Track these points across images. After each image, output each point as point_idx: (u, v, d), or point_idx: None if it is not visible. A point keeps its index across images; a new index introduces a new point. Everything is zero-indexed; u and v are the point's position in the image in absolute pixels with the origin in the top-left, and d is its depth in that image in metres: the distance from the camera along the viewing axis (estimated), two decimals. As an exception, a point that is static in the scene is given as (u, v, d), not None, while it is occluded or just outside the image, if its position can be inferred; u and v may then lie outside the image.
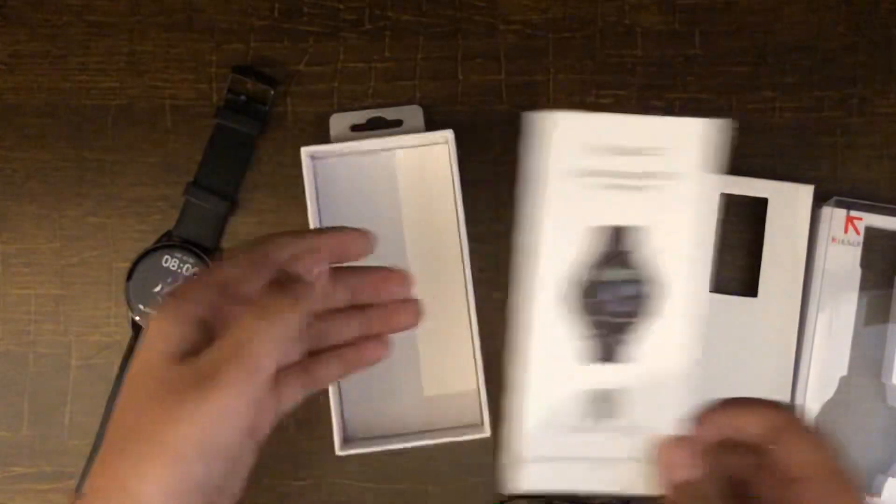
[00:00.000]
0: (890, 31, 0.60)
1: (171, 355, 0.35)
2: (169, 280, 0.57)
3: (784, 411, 0.39)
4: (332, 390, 0.55)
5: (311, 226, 0.57)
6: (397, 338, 0.46)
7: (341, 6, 0.60)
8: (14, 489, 0.59)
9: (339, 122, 0.59)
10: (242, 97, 0.59)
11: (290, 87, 0.60)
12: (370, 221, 0.46)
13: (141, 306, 0.57)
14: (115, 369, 0.59)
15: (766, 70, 0.60)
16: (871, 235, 0.57)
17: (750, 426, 0.39)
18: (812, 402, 0.56)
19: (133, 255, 0.59)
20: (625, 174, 0.40)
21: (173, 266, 0.57)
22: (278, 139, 0.60)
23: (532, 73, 0.60)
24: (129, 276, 0.57)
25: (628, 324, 0.41)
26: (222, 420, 0.34)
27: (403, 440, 0.56)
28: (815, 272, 0.57)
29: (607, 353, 0.42)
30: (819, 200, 0.58)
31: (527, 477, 0.41)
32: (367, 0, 0.60)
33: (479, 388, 0.56)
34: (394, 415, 0.58)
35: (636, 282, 0.41)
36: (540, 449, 0.41)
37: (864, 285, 0.57)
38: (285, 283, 0.37)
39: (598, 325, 0.41)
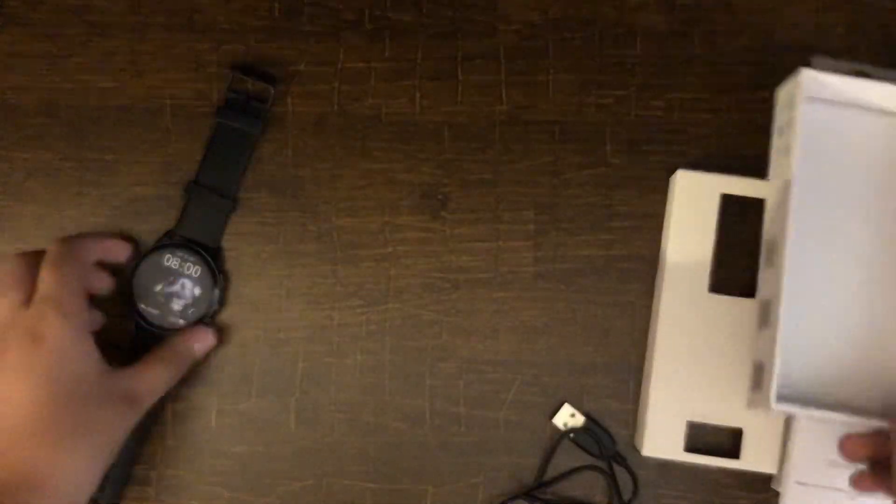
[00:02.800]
0: (890, 31, 0.60)
1: None
2: (171, 279, 0.56)
3: None
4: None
5: (794, 170, 0.50)
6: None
7: (341, 6, 0.60)
8: (14, 489, 0.59)
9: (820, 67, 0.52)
10: (243, 96, 0.58)
11: (290, 87, 0.60)
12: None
13: (143, 305, 0.56)
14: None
15: (766, 70, 0.60)
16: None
17: None
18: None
19: (133, 255, 0.59)
20: None
21: (174, 265, 0.56)
22: (278, 139, 0.60)
23: (531, 74, 0.60)
24: (132, 276, 0.57)
25: None
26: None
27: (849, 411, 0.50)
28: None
29: None
30: (819, 201, 0.58)
31: None
32: (367, 0, 0.60)
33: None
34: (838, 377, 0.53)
35: None
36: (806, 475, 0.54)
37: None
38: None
39: None
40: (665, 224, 0.59)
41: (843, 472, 0.54)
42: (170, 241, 0.57)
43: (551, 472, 0.58)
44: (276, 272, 0.59)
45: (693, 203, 0.58)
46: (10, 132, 0.60)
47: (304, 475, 0.59)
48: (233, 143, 0.58)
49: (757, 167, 0.58)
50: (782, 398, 0.49)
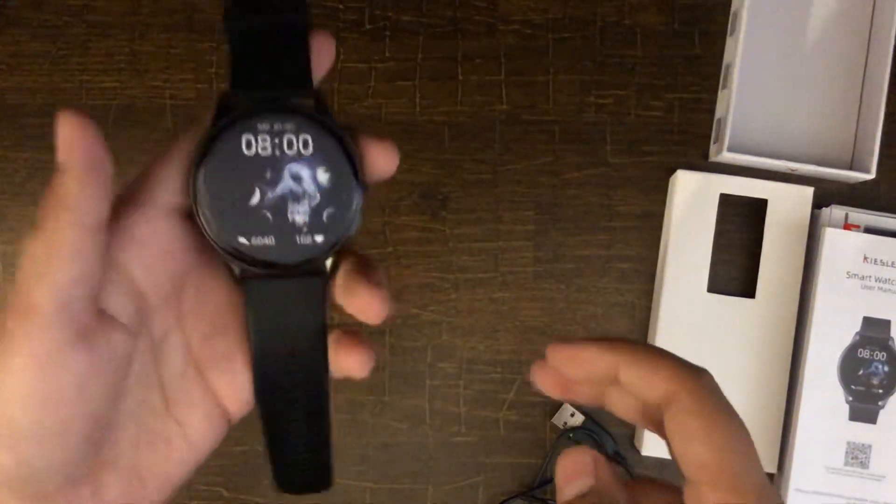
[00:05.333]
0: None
1: None
2: (267, 175, 0.28)
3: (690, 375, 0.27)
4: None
5: None
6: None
7: (341, 6, 0.60)
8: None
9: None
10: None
11: (290, 87, 0.60)
12: None
13: (242, 239, 0.28)
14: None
15: (765, 70, 0.60)
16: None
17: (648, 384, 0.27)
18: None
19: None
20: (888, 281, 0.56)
21: (266, 147, 0.28)
22: (278, 139, 0.60)
23: (532, 73, 0.60)
24: (195, 197, 0.28)
25: (883, 394, 0.56)
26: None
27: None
28: (813, 274, 0.57)
29: (866, 416, 0.56)
30: (819, 202, 0.58)
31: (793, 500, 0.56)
32: (367, 0, 0.60)
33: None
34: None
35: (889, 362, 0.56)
36: (805, 481, 0.56)
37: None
38: None
39: (860, 394, 0.56)
40: (665, 224, 0.59)
41: (843, 479, 0.54)
42: (237, 113, 0.28)
43: (551, 472, 0.59)
44: (277, 272, 0.60)
45: (693, 203, 0.58)
46: (10, 132, 0.60)
47: (305, 475, 0.59)
48: None
49: (755, 167, 0.58)
50: (733, 149, 0.57)
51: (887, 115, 0.57)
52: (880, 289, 0.56)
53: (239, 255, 0.27)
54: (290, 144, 0.28)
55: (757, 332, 0.57)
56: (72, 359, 0.25)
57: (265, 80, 0.28)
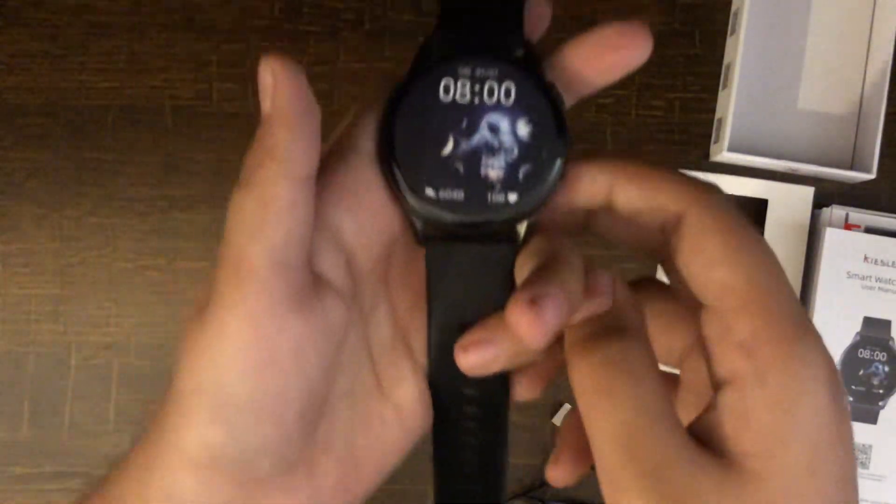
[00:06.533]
0: (890, 31, 0.60)
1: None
2: (463, 123, 0.25)
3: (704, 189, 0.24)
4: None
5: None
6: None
7: (341, 6, 0.60)
8: (14, 489, 0.59)
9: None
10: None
11: (290, 87, 0.60)
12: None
13: (430, 191, 0.24)
14: (116, 369, 0.59)
15: (766, 70, 0.60)
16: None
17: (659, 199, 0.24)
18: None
19: (132, 254, 0.59)
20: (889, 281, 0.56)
21: (463, 95, 0.25)
22: (278, 139, 0.60)
23: (532, 73, 0.60)
24: (391, 147, 0.24)
25: (883, 394, 0.56)
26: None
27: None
28: (814, 274, 0.57)
29: (866, 416, 0.56)
30: (819, 202, 0.58)
31: None
32: (366, 0, 0.60)
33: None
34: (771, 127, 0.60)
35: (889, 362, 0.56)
36: None
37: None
38: None
39: (860, 394, 0.56)
40: (665, 224, 0.59)
41: None
42: (439, 56, 0.25)
43: (551, 473, 0.58)
44: (276, 272, 0.59)
45: (693, 203, 0.58)
46: (10, 132, 0.60)
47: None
48: None
49: (755, 167, 0.58)
50: (734, 148, 0.57)
51: (888, 114, 0.56)
52: (881, 289, 0.56)
53: (424, 208, 0.24)
54: (490, 92, 0.25)
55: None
56: (289, 323, 0.22)
57: (474, 22, 0.25)
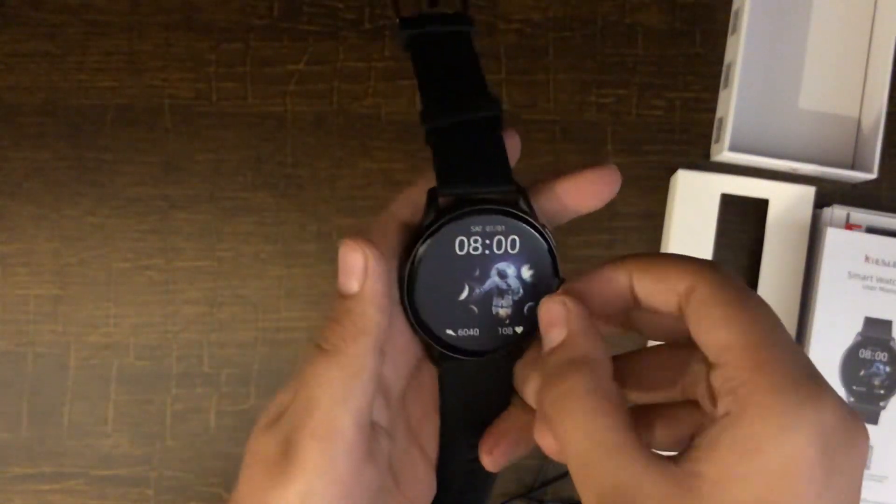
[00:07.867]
0: (891, 30, 0.60)
1: (264, 421, 0.30)
2: (476, 273, 0.29)
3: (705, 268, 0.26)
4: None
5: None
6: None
7: (341, 6, 0.60)
8: (13, 489, 0.59)
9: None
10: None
11: (290, 87, 0.60)
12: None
13: (450, 331, 0.29)
14: (115, 370, 0.59)
15: (767, 69, 0.60)
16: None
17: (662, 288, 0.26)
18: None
19: (131, 254, 0.58)
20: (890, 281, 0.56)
21: (476, 246, 0.30)
22: (277, 139, 0.60)
23: (532, 73, 0.60)
24: (410, 292, 0.29)
25: (884, 395, 0.56)
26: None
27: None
28: (814, 274, 0.57)
29: (867, 417, 0.56)
30: (820, 202, 0.58)
31: None
32: (366, 0, 0.60)
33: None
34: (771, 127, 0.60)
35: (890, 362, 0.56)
36: None
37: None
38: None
39: (861, 394, 0.56)
40: (665, 224, 0.59)
41: None
42: (447, 211, 0.30)
43: (551, 472, 0.58)
44: (276, 272, 0.59)
45: (693, 203, 0.58)
46: (9, 132, 0.60)
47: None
48: (447, 48, 0.34)
49: (756, 167, 0.58)
50: (734, 148, 0.56)
51: (889, 114, 0.56)
52: (882, 289, 0.56)
53: (443, 344, 0.29)
54: (499, 245, 0.30)
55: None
56: (365, 473, 0.26)
57: (471, 179, 0.30)
